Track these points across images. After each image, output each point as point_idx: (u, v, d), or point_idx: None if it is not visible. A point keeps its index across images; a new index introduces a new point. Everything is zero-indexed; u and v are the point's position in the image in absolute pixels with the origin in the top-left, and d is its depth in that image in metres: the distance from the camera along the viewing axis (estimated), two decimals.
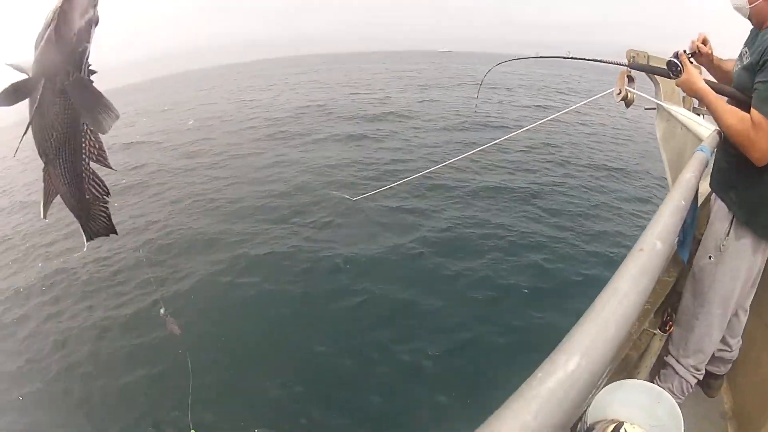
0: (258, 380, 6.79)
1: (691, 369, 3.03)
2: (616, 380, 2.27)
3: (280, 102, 32.02)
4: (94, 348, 8.41)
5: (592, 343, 0.86)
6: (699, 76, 2.68)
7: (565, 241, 9.65)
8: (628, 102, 4.35)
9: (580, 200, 11.67)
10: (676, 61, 2.76)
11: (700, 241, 3.03)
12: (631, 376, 2.82)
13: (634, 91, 4.19)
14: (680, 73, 2.74)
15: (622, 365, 2.84)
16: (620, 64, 3.69)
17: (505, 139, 8.21)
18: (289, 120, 24.36)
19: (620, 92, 4.26)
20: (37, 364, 8.38)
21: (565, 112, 5.86)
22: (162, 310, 4.50)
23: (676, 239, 3.20)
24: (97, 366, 7.88)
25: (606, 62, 3.90)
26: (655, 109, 4.92)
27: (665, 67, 2.80)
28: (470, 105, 23.74)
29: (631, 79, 4.22)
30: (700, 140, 3.11)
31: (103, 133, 1.64)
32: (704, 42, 2.97)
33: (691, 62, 2.74)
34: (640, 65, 3.84)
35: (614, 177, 13.60)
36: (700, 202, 3.33)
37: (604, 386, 2.24)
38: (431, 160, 13.41)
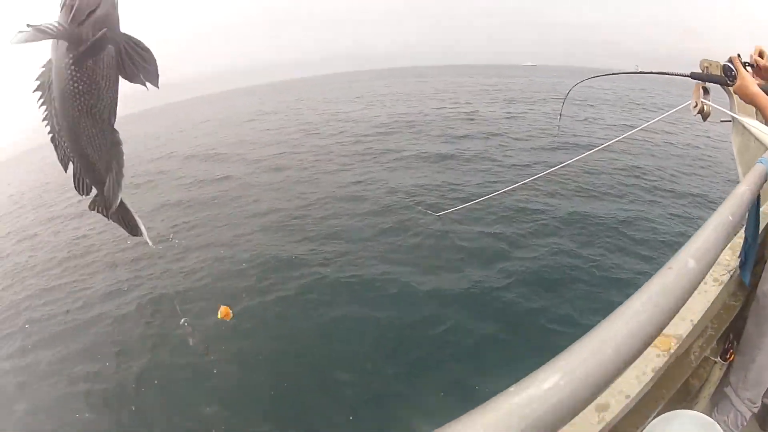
0: (331, 404, 6.82)
1: (747, 402, 2.84)
2: (673, 409, 2.15)
3: (368, 116, 32.12)
4: (153, 358, 8.63)
5: (580, 363, 0.82)
6: (752, 80, 2.60)
7: (650, 275, 9.44)
8: (704, 115, 4.21)
9: (665, 228, 11.34)
10: (730, 65, 2.71)
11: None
12: (689, 406, 2.71)
13: (710, 103, 4.05)
14: (735, 78, 2.67)
15: (682, 394, 2.69)
16: (683, 75, 3.61)
17: (587, 156, 8.00)
18: (377, 135, 24.38)
19: (696, 105, 4.13)
20: (97, 365, 8.81)
21: (640, 129, 5.73)
22: (183, 321, 4.31)
23: (738, 260, 3.05)
24: (156, 377, 8.12)
25: (671, 74, 3.82)
26: (730, 121, 4.75)
27: (722, 74, 2.73)
28: (556, 122, 23.40)
29: (706, 91, 4.07)
30: None
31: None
32: (761, 55, 2.87)
33: (747, 70, 2.67)
34: (700, 75, 3.73)
35: (698, 203, 13.15)
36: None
37: (657, 415, 2.14)
38: (519, 182, 13.14)
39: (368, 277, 10.02)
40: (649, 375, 2.03)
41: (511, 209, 12.42)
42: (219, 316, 6.04)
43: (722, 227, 1.30)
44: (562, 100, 8.56)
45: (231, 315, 6.07)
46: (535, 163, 16.58)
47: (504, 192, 10.74)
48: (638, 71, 4.19)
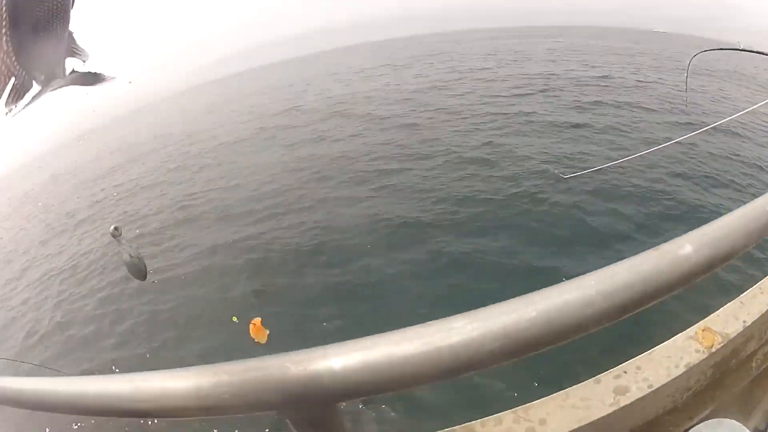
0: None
1: None
2: (725, 416, 2.05)
3: (501, 75, 31.47)
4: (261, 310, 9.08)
5: (497, 315, 0.85)
6: None
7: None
8: None
9: None
10: None
11: None
12: (744, 418, 2.25)
13: None
14: None
15: (739, 402, 2.31)
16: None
17: (705, 133, 7.77)
18: (508, 97, 23.96)
19: None
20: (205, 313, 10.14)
21: (745, 113, 5.58)
22: (112, 228, 3.69)
23: None
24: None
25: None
26: None
27: None
28: (684, 96, 22.02)
29: None
30: None
31: None
32: None
33: None
34: None
35: None
36: None
37: (703, 420, 2.05)
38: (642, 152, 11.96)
39: (490, 247, 10.24)
40: (681, 370, 1.88)
41: (637, 186, 12.06)
42: (251, 334, 5.16)
43: (750, 217, 1.10)
44: (686, 74, 8.38)
45: (265, 334, 4.64)
46: (665, 138, 14.77)
47: (628, 159, 10.88)
48: (740, 48, 4.35)
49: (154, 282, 11.91)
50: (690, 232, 0.97)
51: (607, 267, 0.90)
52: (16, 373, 9.17)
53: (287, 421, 0.96)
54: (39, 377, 1.22)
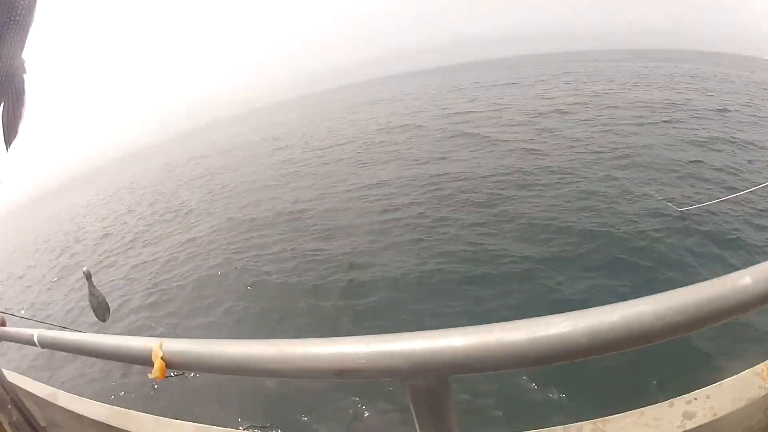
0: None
1: None
2: None
3: (623, 101, 31.27)
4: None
5: (587, 317, 0.97)
6: None
7: None
8: None
9: None
10: None
11: None
12: None
13: None
14: None
15: None
16: None
17: None
18: (630, 125, 23.58)
19: None
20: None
21: None
22: (84, 269, 4.14)
23: None
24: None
25: None
26: None
27: None
28: None
29: None
30: None
31: None
32: None
33: None
34: None
35: None
36: None
37: None
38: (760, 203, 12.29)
39: (601, 285, 9.96)
40: (744, 403, 1.91)
41: (748, 234, 11.15)
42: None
43: None
44: None
45: None
46: None
47: (738, 196, 11.34)
48: None
49: (250, 287, 13.30)
50: (752, 266, 1.04)
51: (679, 289, 1.01)
52: None
53: (405, 389, 1.12)
54: (202, 339, 1.37)
